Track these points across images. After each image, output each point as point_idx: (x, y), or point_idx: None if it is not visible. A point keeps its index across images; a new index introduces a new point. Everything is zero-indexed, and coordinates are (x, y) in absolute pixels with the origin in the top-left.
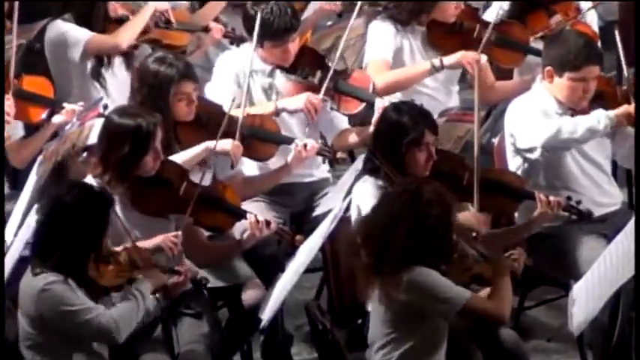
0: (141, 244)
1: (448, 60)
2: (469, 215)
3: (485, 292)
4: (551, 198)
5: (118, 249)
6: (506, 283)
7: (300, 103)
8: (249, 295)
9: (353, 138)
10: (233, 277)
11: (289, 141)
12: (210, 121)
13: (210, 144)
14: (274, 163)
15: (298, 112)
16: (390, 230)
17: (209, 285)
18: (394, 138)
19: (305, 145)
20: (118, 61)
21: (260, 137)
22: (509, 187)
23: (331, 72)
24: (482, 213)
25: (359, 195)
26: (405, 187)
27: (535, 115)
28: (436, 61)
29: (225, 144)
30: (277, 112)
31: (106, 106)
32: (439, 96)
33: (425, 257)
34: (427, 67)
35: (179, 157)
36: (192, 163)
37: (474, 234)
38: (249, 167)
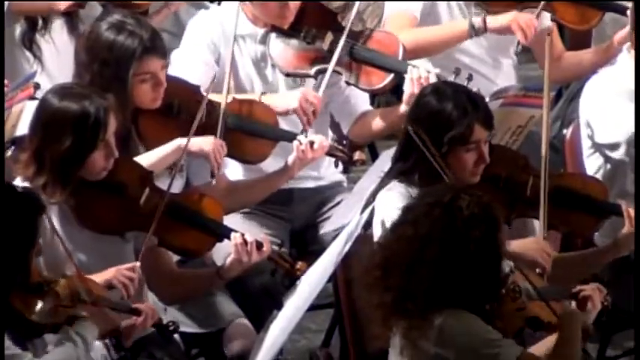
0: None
1: (494, 21)
2: (531, 244)
3: (541, 344)
4: None
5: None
6: (574, 340)
7: (292, 102)
8: (233, 342)
9: (377, 124)
10: (212, 320)
11: (290, 137)
12: (184, 109)
13: (182, 142)
14: (268, 165)
15: (290, 115)
16: (417, 258)
17: (181, 329)
18: (433, 133)
19: (311, 143)
20: (57, 24)
21: (250, 131)
22: (588, 199)
23: (345, 33)
24: (551, 233)
25: (383, 207)
26: (436, 197)
27: (619, 99)
28: (477, 21)
29: (203, 143)
30: None
31: (37, 86)
32: (483, 68)
33: (463, 295)
34: (464, 28)
35: (142, 160)
36: (160, 167)
37: (536, 270)
38: (235, 170)
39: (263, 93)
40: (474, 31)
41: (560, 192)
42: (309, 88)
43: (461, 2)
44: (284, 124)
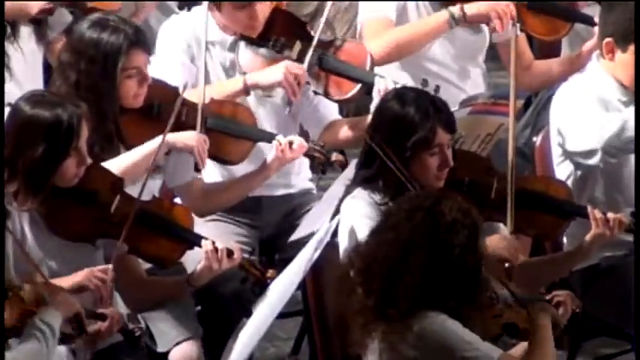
0: (57, 281)
1: (473, 9)
2: (498, 240)
3: (519, 347)
4: (610, 215)
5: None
6: (547, 337)
7: (277, 75)
8: (175, 354)
9: (345, 132)
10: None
11: (269, 137)
12: (164, 109)
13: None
14: (238, 169)
15: (274, 92)
16: (400, 263)
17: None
18: (396, 137)
19: (290, 144)
20: (25, 32)
21: (230, 131)
22: (553, 201)
23: (314, 43)
24: (517, 235)
25: (348, 215)
26: (416, 203)
27: (591, 106)
28: (455, 10)
29: (187, 138)
30: (247, 90)
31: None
32: (451, 76)
33: (445, 299)
34: (444, 17)
35: (123, 159)
36: (142, 165)
37: (505, 265)
38: (210, 172)
39: (244, 73)
40: (454, 21)
41: (525, 194)
42: (292, 62)
43: (429, 6)
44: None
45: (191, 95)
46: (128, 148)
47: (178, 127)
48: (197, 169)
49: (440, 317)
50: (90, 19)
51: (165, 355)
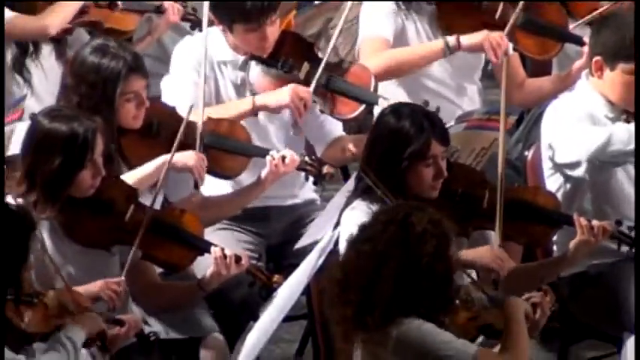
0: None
1: (467, 39)
2: (486, 251)
3: (497, 348)
4: (595, 222)
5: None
6: (521, 329)
7: (284, 98)
8: (206, 355)
9: (349, 149)
10: (191, 327)
11: (263, 153)
12: (163, 128)
13: (167, 158)
14: (244, 180)
15: (283, 110)
16: (374, 274)
17: (162, 337)
18: (392, 150)
19: (283, 158)
20: (46, 50)
21: (226, 148)
22: (541, 210)
23: (323, 65)
24: (507, 243)
25: (347, 225)
26: (390, 216)
27: (579, 121)
28: (451, 40)
29: (187, 158)
30: (255, 111)
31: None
32: (447, 92)
33: (418, 306)
34: (439, 46)
35: (129, 177)
36: (146, 183)
37: (492, 275)
38: (211, 185)
39: (253, 94)
40: (449, 49)
41: (514, 204)
42: (298, 85)
43: (429, 30)
44: (260, 139)
45: (189, 114)
46: (130, 167)
47: (177, 146)
48: (196, 187)
49: (416, 322)
50: (92, 44)
51: (187, 350)
